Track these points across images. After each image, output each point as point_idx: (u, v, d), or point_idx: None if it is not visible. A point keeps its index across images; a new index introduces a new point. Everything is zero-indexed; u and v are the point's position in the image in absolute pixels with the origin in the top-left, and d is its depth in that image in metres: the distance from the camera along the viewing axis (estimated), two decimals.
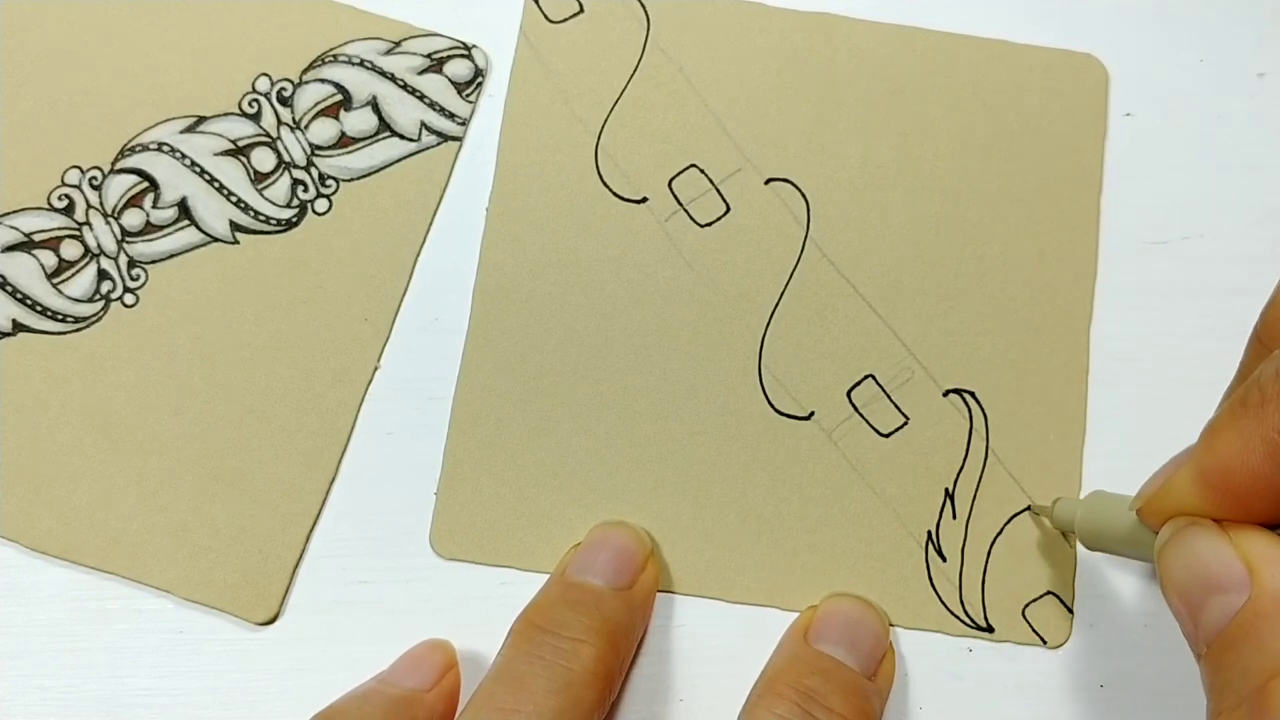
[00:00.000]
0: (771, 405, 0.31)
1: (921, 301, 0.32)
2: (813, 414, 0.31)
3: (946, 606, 0.30)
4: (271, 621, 0.30)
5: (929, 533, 0.30)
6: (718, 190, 0.32)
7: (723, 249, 0.32)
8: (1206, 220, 0.32)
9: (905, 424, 0.31)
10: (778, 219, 0.32)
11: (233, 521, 0.30)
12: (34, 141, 0.32)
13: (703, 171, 0.32)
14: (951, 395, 0.31)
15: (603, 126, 0.32)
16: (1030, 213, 0.32)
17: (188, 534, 0.30)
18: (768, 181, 0.32)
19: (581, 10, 0.33)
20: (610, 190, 0.32)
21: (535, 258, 0.32)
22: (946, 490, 0.31)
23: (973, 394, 0.31)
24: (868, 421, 0.31)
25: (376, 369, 0.31)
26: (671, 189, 0.32)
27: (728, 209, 0.32)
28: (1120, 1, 0.34)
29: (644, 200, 0.32)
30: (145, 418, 0.31)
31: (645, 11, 0.33)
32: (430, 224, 0.32)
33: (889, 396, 0.31)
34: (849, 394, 0.31)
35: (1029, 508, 0.31)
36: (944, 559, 0.30)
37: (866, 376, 0.31)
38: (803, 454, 0.31)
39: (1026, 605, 0.30)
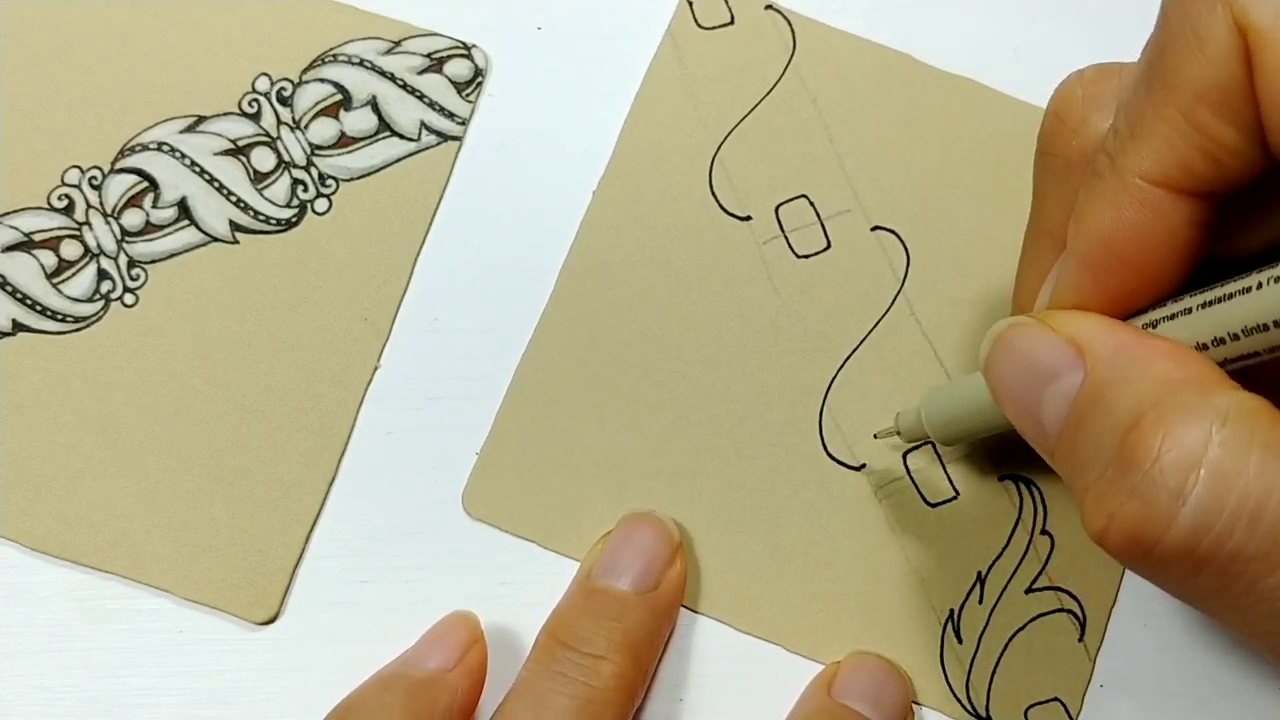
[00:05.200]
0: (825, 448, 0.31)
1: None
2: (864, 466, 0.30)
3: (951, 688, 0.29)
4: (271, 621, 0.30)
5: (951, 610, 0.30)
6: (822, 225, 0.32)
7: (814, 283, 0.31)
8: None
9: (954, 498, 0.30)
10: (875, 267, 0.32)
11: (233, 521, 0.30)
12: (34, 141, 0.32)
13: (812, 204, 0.32)
14: (1006, 481, 0.30)
15: (725, 138, 0.32)
16: None
17: (188, 534, 0.30)
18: (874, 228, 0.32)
19: (732, 22, 0.33)
20: (717, 201, 0.32)
21: (629, 249, 0.32)
22: (979, 573, 0.30)
23: (1030, 481, 0.30)
24: (917, 487, 0.30)
25: (376, 369, 0.31)
26: (777, 214, 0.32)
27: (828, 245, 0.32)
28: (1122, 1, 0.34)
29: (748, 218, 0.32)
30: (145, 418, 0.31)
31: (794, 38, 0.33)
32: (430, 224, 0.32)
33: (944, 467, 0.31)
34: (905, 456, 0.31)
35: (875, 435, 0.30)
36: (960, 640, 0.30)
37: (926, 442, 0.30)
38: (845, 503, 0.30)
39: (1030, 706, 0.29)
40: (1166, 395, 0.18)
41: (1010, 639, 0.30)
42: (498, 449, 0.31)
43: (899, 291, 0.31)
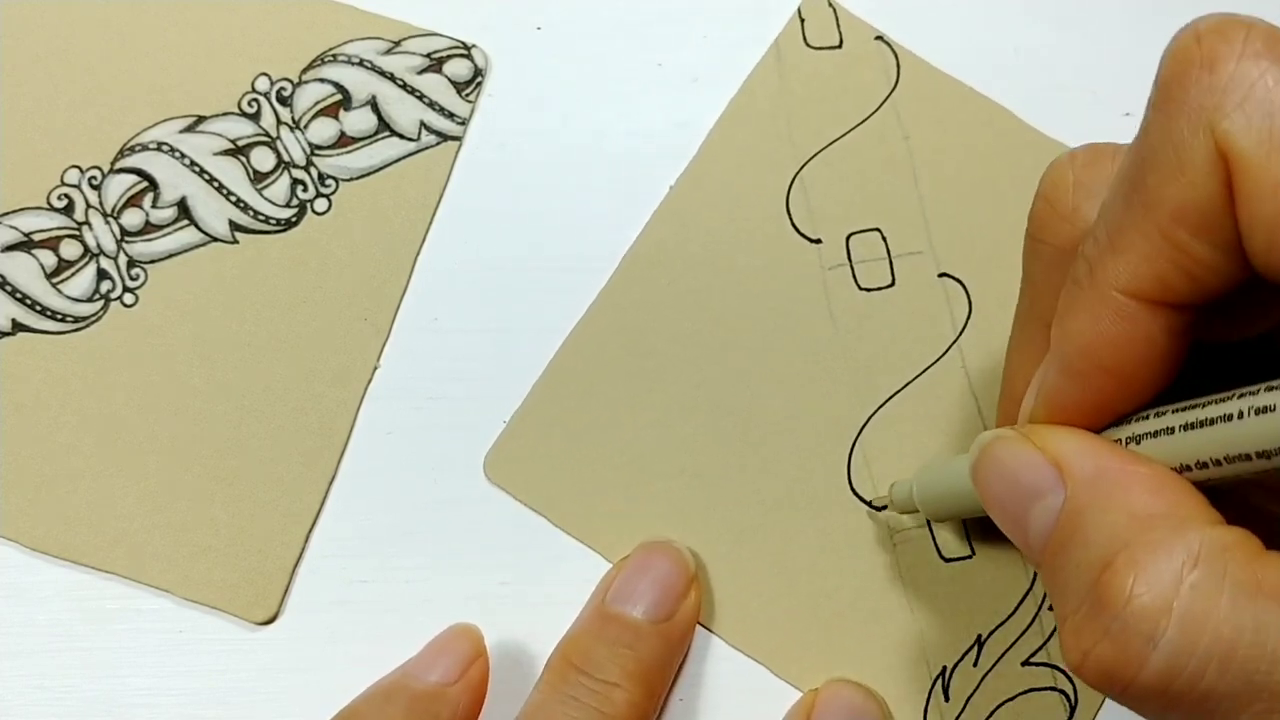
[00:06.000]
0: (850, 482, 0.30)
1: None
2: (886, 508, 0.30)
3: None
4: (271, 621, 0.30)
5: (944, 668, 0.29)
6: (891, 262, 0.32)
7: (871, 317, 0.31)
8: None
9: (969, 557, 0.30)
10: (935, 312, 0.31)
11: (233, 521, 0.30)
12: (34, 141, 0.32)
13: (884, 239, 0.32)
14: None
15: (810, 158, 0.32)
16: None
17: (188, 534, 0.30)
18: (941, 275, 0.32)
19: (840, 46, 0.33)
20: (790, 219, 0.32)
21: (695, 249, 0.32)
22: (979, 636, 0.30)
23: None
24: (934, 538, 0.30)
25: (376, 369, 0.31)
26: (848, 243, 0.32)
27: (893, 283, 0.32)
28: (1120, 3, 0.34)
29: (818, 241, 0.32)
30: (145, 418, 0.31)
31: (898, 72, 0.33)
32: (430, 224, 0.32)
33: (965, 525, 0.30)
34: None
35: (870, 506, 0.30)
36: (947, 699, 0.29)
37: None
38: (859, 540, 0.30)
39: None
40: (1140, 533, 0.18)
41: (997, 707, 0.29)
42: (527, 420, 0.31)
43: (954, 342, 0.31)
